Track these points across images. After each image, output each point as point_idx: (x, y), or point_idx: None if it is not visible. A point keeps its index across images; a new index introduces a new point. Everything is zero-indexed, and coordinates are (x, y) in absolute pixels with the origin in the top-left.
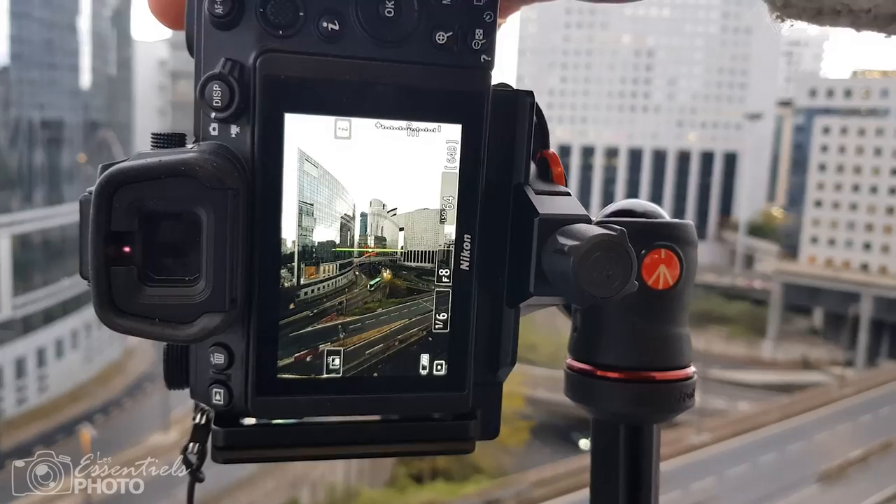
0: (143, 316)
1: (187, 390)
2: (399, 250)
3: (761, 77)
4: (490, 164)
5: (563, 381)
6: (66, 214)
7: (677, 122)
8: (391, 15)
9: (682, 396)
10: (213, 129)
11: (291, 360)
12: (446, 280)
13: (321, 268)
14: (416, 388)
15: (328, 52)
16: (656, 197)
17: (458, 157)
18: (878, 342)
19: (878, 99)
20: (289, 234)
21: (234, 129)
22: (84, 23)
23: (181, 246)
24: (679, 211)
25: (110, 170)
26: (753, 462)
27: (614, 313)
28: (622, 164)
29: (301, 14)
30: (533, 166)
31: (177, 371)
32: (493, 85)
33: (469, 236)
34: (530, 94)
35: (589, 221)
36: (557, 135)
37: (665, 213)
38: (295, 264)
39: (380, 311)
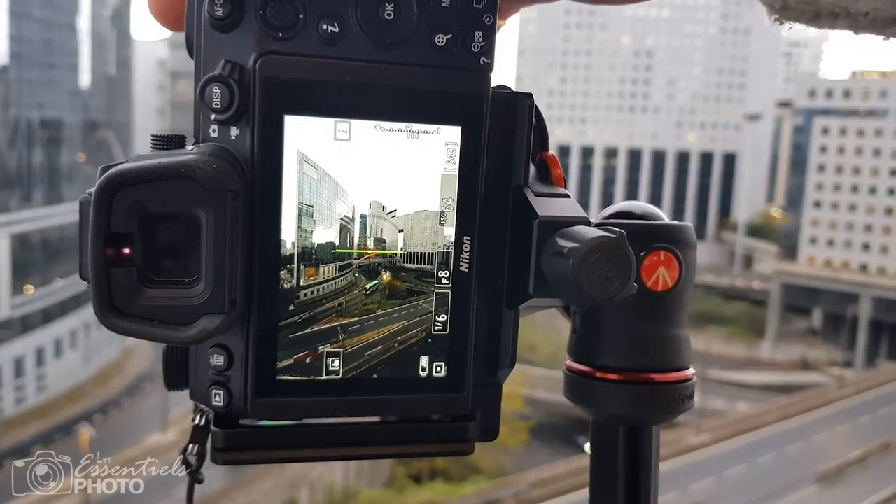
0: (142, 317)
1: (186, 391)
2: (398, 252)
3: (760, 78)
4: (489, 166)
5: (563, 382)
6: (65, 214)
7: (676, 123)
8: (391, 17)
9: (682, 398)
10: (213, 130)
11: (291, 361)
12: (446, 282)
13: (321, 269)
14: (415, 390)
15: (328, 54)
16: (655, 197)
17: (457, 158)
18: (877, 343)
19: (876, 100)
20: (288, 235)
21: (233, 131)
22: (83, 22)
23: (181, 247)
24: (678, 211)
25: (110, 171)
26: (752, 462)
27: (614, 315)
28: (621, 164)
29: (301, 16)
30: (532, 168)
31: (176, 372)
32: (493, 87)
33: (468, 238)
34: (529, 96)
35: (588, 223)
36: (557, 135)
37: (664, 215)
38: (294, 266)
39: (379, 312)
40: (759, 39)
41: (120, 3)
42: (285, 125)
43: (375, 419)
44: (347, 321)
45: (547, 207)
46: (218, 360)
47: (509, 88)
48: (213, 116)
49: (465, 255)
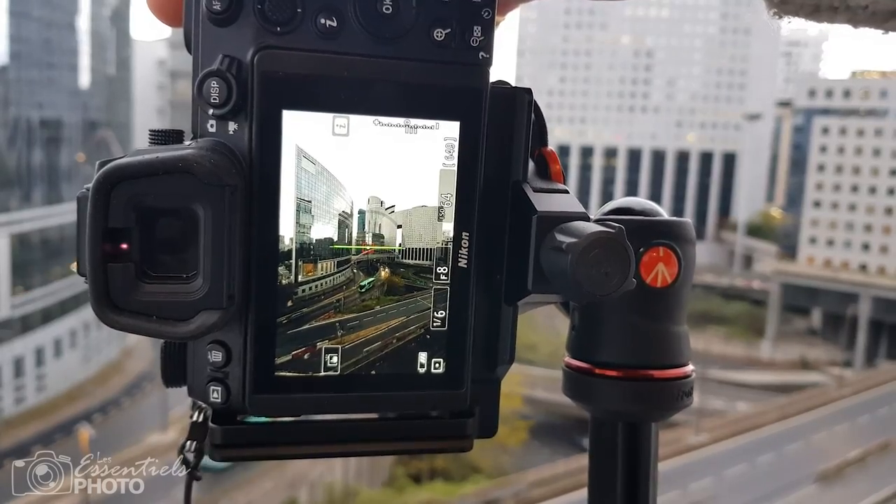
0: (140, 313)
1: (185, 388)
2: (397, 248)
3: (760, 77)
4: (488, 162)
5: (562, 379)
6: (64, 214)
7: (676, 123)
8: (389, 11)
9: (681, 394)
10: (211, 125)
11: (289, 357)
12: (444, 278)
13: (319, 265)
14: (413, 386)
15: (326, 48)
16: (655, 197)
17: (456, 154)
18: (877, 343)
19: (876, 99)
20: (286, 231)
21: (231, 126)
22: (83, 22)
23: (179, 243)
24: (678, 211)
25: (107, 166)
26: (752, 462)
27: (612, 311)
28: (621, 164)
29: (299, 10)
30: (531, 164)
31: (174, 369)
32: (492, 82)
33: (467, 234)
34: (528, 91)
35: (587, 219)
36: (556, 135)
37: (663, 212)
38: (293, 261)
39: (378, 308)
40: (759, 39)
41: (119, 2)
42: (283, 120)
43: (374, 416)
44: (346, 317)
45: (546, 203)
46: (216, 356)
47: (508, 83)
48: (210, 111)
49: (464, 251)
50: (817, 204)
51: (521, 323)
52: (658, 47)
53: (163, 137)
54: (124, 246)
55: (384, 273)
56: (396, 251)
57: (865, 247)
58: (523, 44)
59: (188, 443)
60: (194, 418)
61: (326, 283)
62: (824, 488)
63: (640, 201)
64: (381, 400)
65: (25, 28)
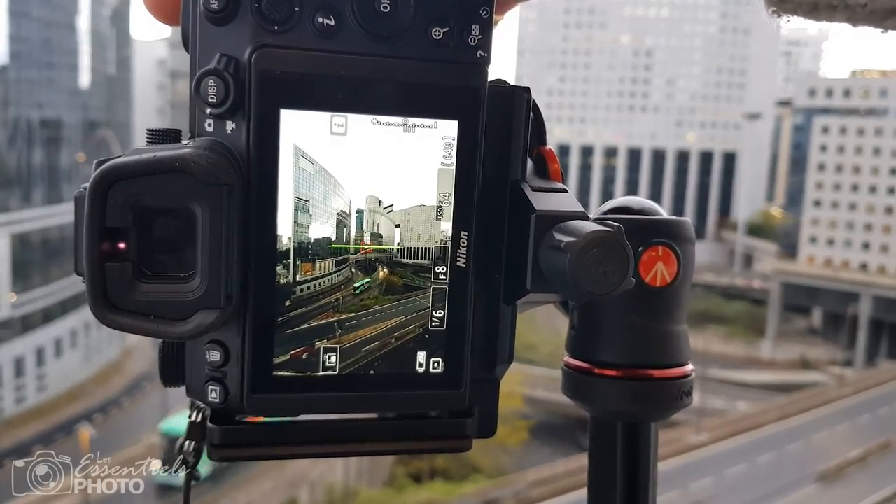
0: (137, 312)
1: (184, 388)
2: (395, 247)
3: (760, 77)
4: (487, 161)
5: (561, 378)
6: (64, 214)
7: (676, 122)
8: (387, 10)
9: (680, 394)
10: (209, 124)
11: (287, 357)
12: (443, 277)
13: (317, 264)
14: (412, 386)
15: (324, 47)
16: (655, 197)
17: (454, 153)
18: (877, 342)
19: (876, 99)
20: (284, 230)
21: (229, 125)
22: (83, 22)
23: (176, 242)
24: (678, 211)
25: (105, 165)
26: (752, 462)
27: (612, 310)
28: (621, 163)
29: (296, 9)
30: (530, 163)
31: (172, 368)
32: (490, 81)
33: (466, 233)
34: (527, 90)
35: (586, 218)
36: (556, 134)
37: (662, 210)
38: (291, 261)
39: (376, 308)
40: (759, 39)
41: (119, 2)
42: (281, 119)
43: (373, 415)
44: (344, 317)
45: (544, 202)
46: (214, 356)
47: (506, 82)
48: (208, 110)
49: (463, 251)
50: (817, 203)
51: (522, 322)
52: (658, 47)
53: (160, 137)
54: (122, 245)
55: (382, 272)
56: (395, 250)
57: (866, 246)
58: (523, 43)
59: (186, 443)
60: (193, 418)
61: (324, 282)
62: (825, 488)
63: (640, 200)
64: (379, 400)
65: (25, 28)
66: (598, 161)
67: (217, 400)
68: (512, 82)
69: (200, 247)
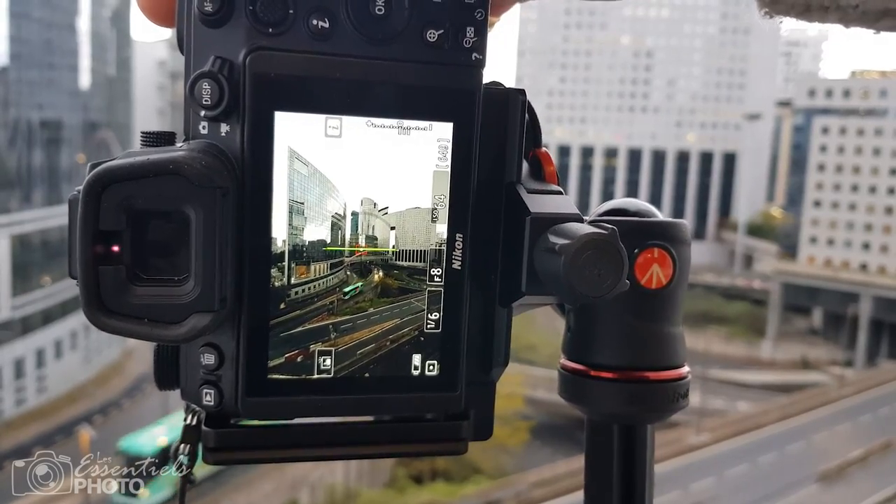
0: (131, 316)
1: (178, 391)
2: (390, 249)
3: (760, 77)
4: (482, 163)
5: (558, 380)
6: (64, 215)
7: (676, 123)
8: (381, 13)
9: (676, 396)
10: (203, 127)
11: (282, 360)
12: (438, 279)
13: (312, 267)
14: (408, 389)
15: (318, 49)
16: (655, 197)
17: (449, 155)
18: (878, 342)
19: (876, 99)
20: (279, 233)
21: (223, 128)
22: (83, 23)
23: (170, 245)
24: (678, 211)
25: (98, 168)
26: (753, 462)
27: (607, 313)
28: (621, 164)
29: (291, 12)
30: (525, 165)
31: (167, 372)
32: (485, 83)
33: (461, 235)
34: (522, 92)
35: (581, 220)
36: (556, 135)
37: (658, 213)
38: (285, 263)
39: (371, 310)
40: (759, 39)
41: (120, 3)
42: (275, 121)
43: (368, 418)
44: (339, 319)
45: (539, 204)
46: (208, 359)
47: (502, 84)
48: (202, 113)
49: (458, 253)
50: (817, 203)
51: (523, 323)
52: (658, 47)
53: (154, 139)
54: (115, 248)
55: (377, 275)
56: (390, 253)
57: (866, 246)
58: (523, 44)
59: (181, 446)
60: (188, 421)
61: (319, 285)
62: (826, 488)
63: (636, 202)
64: (374, 402)
65: (26, 29)
66: (598, 162)
67: (212, 403)
68: (512, 83)
69: (194, 250)
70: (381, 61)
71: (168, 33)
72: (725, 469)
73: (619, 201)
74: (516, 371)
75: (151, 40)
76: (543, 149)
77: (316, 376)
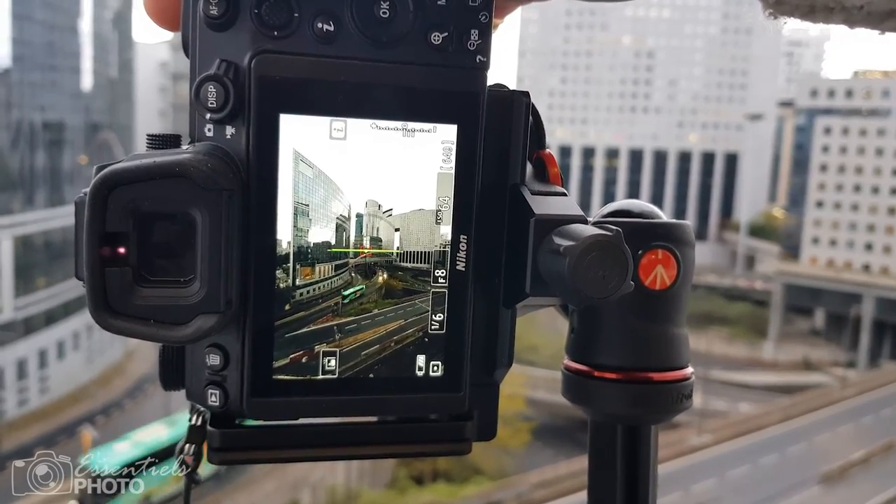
0: (137, 317)
1: (184, 391)
2: (395, 251)
3: (762, 78)
4: (486, 165)
5: (561, 381)
6: (67, 216)
7: (678, 123)
8: (386, 15)
9: (680, 397)
10: (209, 129)
11: (287, 361)
12: (442, 281)
13: (317, 268)
14: (412, 390)
15: (323, 52)
16: (657, 198)
17: (453, 157)
18: (880, 343)
19: (879, 99)
20: (284, 234)
21: (229, 130)
22: (85, 25)
23: (176, 247)
24: (680, 212)
25: (105, 171)
26: (755, 463)
27: (611, 314)
28: (623, 164)
29: (296, 15)
30: (529, 167)
31: (172, 372)
32: (489, 85)
33: (465, 237)
34: (526, 94)
35: (585, 222)
36: (558, 136)
37: (662, 214)
38: (290, 265)
39: (376, 311)
40: (761, 39)
41: (122, 5)
42: (281, 124)
43: (372, 419)
44: (344, 320)
45: (544, 206)
46: (214, 359)
47: (506, 86)
48: (208, 116)
49: (462, 254)
50: (820, 204)
51: (524, 324)
52: (659, 48)
53: (160, 142)
54: (122, 250)
55: (382, 276)
56: (394, 255)
57: (868, 247)
58: (524, 45)
59: (187, 446)
60: (193, 422)
61: (324, 286)
62: (828, 489)
63: (639, 203)
64: (379, 403)
65: (28, 31)
66: (599, 162)
67: (217, 403)
68: (513, 83)
69: (200, 251)
70: (385, 64)
71: (169, 35)
72: (727, 470)
73: (623, 202)
74: (518, 372)
75: (153, 42)
76: (547, 150)
77: (321, 377)
